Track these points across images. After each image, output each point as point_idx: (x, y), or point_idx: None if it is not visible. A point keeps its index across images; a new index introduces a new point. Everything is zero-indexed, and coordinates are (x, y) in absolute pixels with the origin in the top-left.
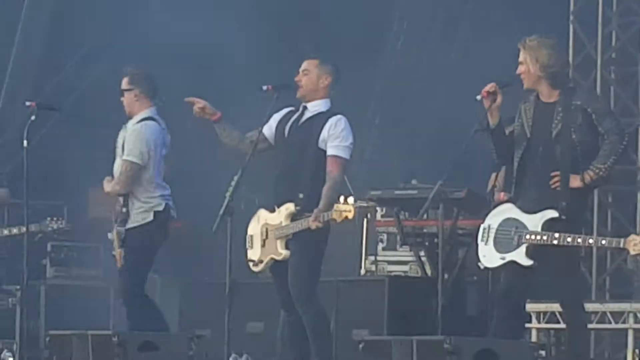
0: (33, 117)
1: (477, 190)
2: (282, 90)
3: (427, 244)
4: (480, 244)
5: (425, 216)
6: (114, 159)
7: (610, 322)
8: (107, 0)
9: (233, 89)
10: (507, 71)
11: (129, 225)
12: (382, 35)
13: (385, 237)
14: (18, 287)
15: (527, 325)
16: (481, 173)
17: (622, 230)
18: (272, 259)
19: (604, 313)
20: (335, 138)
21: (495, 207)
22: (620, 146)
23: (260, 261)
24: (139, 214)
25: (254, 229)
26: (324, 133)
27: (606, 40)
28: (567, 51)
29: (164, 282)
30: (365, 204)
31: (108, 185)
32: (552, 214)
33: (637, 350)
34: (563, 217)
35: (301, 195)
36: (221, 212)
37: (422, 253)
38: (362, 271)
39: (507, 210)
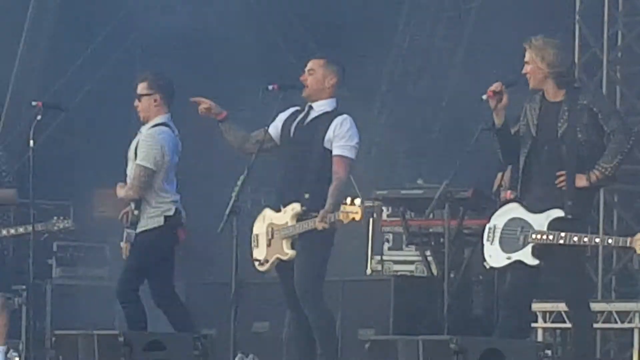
0: (39, 117)
1: (484, 189)
2: (288, 90)
3: (433, 243)
4: (486, 244)
5: (431, 216)
6: (126, 162)
7: (616, 322)
8: (111, 1)
9: (237, 87)
10: (513, 71)
11: (139, 229)
12: (388, 34)
13: (391, 236)
14: (24, 286)
15: (533, 324)
16: (487, 173)
17: (627, 229)
18: (278, 258)
19: (610, 313)
20: (340, 138)
21: (501, 206)
22: (627, 145)
23: (266, 261)
24: (150, 219)
25: (260, 228)
26: (330, 133)
27: (612, 40)
28: (573, 51)
29: None
30: (371, 204)
31: (121, 191)
32: (558, 213)
33: None
34: (569, 216)
35: (307, 196)
36: (227, 211)
37: (428, 253)
38: (368, 271)
39: (513, 210)
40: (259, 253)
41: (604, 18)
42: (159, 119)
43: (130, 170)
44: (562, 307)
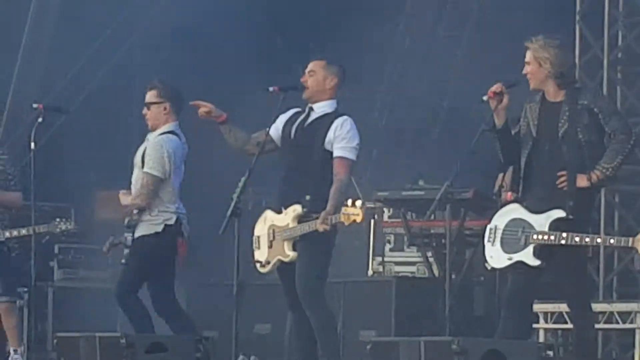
0: (40, 119)
1: (484, 190)
2: (289, 91)
3: (434, 244)
4: (487, 245)
5: (432, 217)
6: (130, 166)
7: (617, 322)
8: (114, 1)
9: (237, 88)
10: (514, 71)
11: (138, 233)
12: (388, 35)
13: (392, 238)
14: (26, 289)
15: (534, 325)
16: (488, 173)
17: (629, 230)
18: (279, 260)
19: (612, 313)
20: (341, 139)
21: (501, 207)
22: (628, 146)
23: (268, 262)
24: (150, 225)
25: (261, 230)
26: (330, 134)
27: (612, 40)
28: (574, 51)
29: None
30: (372, 205)
31: (126, 199)
32: (559, 213)
33: None
34: (570, 216)
35: (308, 197)
36: (228, 213)
37: (429, 254)
38: (370, 272)
39: (514, 211)
40: (261, 255)
41: (604, 18)
42: (167, 127)
43: (136, 177)
44: (563, 307)
